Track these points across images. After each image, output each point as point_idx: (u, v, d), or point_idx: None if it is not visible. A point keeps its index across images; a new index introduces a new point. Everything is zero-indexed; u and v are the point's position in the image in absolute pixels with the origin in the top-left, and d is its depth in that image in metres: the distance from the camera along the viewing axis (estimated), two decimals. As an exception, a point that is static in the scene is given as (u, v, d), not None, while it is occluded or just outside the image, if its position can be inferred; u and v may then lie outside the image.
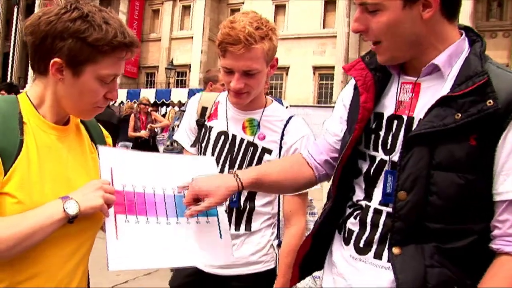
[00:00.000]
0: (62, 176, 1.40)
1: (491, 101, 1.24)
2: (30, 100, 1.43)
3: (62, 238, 1.36)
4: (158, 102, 15.56)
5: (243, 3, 34.95)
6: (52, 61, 1.34)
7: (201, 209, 1.46)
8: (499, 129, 1.25)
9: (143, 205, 1.46)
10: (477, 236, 1.30)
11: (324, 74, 30.91)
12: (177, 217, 1.51)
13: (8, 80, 32.88)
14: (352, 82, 1.62)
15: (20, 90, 8.74)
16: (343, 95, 1.67)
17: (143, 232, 1.43)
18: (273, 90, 31.70)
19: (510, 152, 1.25)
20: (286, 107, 13.43)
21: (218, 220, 1.60)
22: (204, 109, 2.17)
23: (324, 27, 31.08)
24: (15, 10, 35.08)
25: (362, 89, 1.49)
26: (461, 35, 1.41)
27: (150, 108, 11.64)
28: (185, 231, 1.51)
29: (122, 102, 16.63)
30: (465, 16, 25.40)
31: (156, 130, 11.09)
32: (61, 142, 1.45)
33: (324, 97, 30.69)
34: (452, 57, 1.36)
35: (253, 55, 1.84)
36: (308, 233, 1.72)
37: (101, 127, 1.70)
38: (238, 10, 34.54)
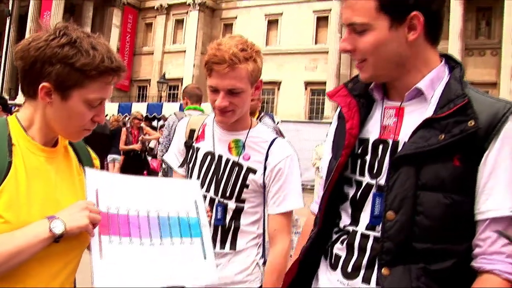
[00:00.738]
0: (50, 197, 1.44)
1: (472, 121, 1.29)
2: (20, 123, 1.47)
3: (48, 256, 1.38)
4: (149, 116, 15.51)
5: (236, 17, 35.19)
6: (41, 85, 1.39)
7: None
8: (481, 150, 1.30)
9: (126, 227, 1.50)
10: (463, 255, 1.33)
11: (315, 90, 31.04)
12: (161, 238, 1.54)
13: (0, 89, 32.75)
14: (336, 113, 1.67)
15: (9, 101, 8.71)
16: (329, 130, 1.71)
17: (127, 253, 1.46)
18: (265, 105, 31.78)
19: (491, 172, 1.30)
20: (278, 122, 13.47)
21: (203, 241, 1.63)
22: (192, 132, 2.23)
23: (316, 43, 31.30)
24: (8, 21, 35.04)
25: (347, 116, 1.53)
26: (442, 61, 1.47)
27: (143, 123, 11.66)
28: (169, 251, 1.54)
29: (113, 115, 16.57)
30: (454, 35, 25.75)
31: (147, 143, 11.10)
32: (50, 164, 1.49)
33: (316, 112, 30.82)
34: (434, 81, 1.42)
35: (237, 74, 1.91)
36: (293, 252, 1.73)
37: (89, 149, 1.74)
38: (231, 24, 34.85)
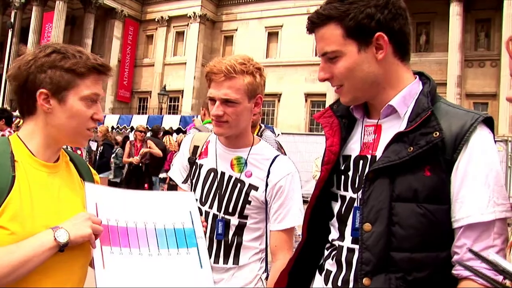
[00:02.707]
0: (53, 209, 1.49)
1: (437, 132, 1.38)
2: (22, 140, 1.54)
3: (53, 267, 1.44)
4: (149, 128, 15.55)
5: (236, 30, 35.38)
6: (38, 92, 1.48)
7: None
8: (452, 160, 1.37)
9: (126, 238, 1.55)
10: (443, 263, 1.38)
11: (316, 101, 31.12)
12: (158, 249, 1.59)
13: (0, 102, 32.82)
14: None
15: (13, 113, 8.74)
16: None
17: (127, 263, 1.52)
18: (265, 117, 31.85)
19: (462, 180, 1.36)
20: (278, 134, 13.48)
21: (198, 251, 1.68)
22: (195, 148, 2.28)
23: (316, 55, 30.56)
24: (9, 33, 35.22)
25: (328, 134, 1.62)
26: (416, 78, 1.55)
27: (147, 136, 11.69)
28: (167, 261, 1.59)
29: (112, 127, 16.55)
30: (454, 46, 25.88)
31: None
32: (52, 178, 1.55)
33: (316, 124, 30.83)
34: (406, 98, 1.49)
35: (232, 84, 1.97)
36: None
37: (89, 165, 1.80)
38: (232, 37, 35.00)
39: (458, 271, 1.36)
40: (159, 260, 1.57)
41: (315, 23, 1.50)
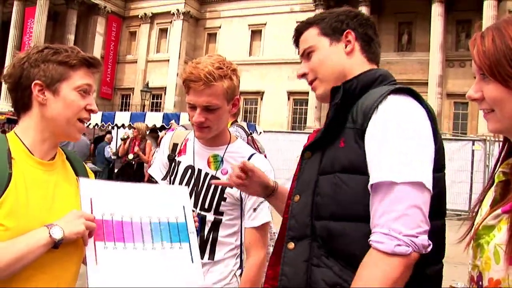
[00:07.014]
0: (48, 207, 1.53)
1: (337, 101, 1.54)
2: (19, 138, 1.58)
3: (48, 264, 1.48)
4: (132, 125, 15.46)
5: (219, 27, 35.32)
6: (33, 83, 1.54)
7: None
8: (362, 129, 1.45)
9: (120, 232, 1.59)
10: (364, 235, 1.34)
11: (298, 100, 31.23)
12: (152, 243, 1.63)
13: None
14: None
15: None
16: None
17: (120, 257, 1.55)
18: (248, 115, 31.89)
19: (369, 145, 1.41)
20: (260, 132, 13.49)
21: (190, 246, 1.72)
22: (175, 145, 2.34)
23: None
24: (-10, 28, 34.65)
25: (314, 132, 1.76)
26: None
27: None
28: (159, 256, 1.63)
29: (96, 124, 16.36)
30: (435, 47, 26.18)
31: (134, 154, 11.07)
32: (48, 176, 1.60)
33: (298, 122, 30.99)
34: None
35: (213, 92, 2.01)
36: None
37: (85, 164, 1.85)
38: (215, 34, 34.90)
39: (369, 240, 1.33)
40: (152, 254, 1.61)
41: (299, 31, 1.75)
